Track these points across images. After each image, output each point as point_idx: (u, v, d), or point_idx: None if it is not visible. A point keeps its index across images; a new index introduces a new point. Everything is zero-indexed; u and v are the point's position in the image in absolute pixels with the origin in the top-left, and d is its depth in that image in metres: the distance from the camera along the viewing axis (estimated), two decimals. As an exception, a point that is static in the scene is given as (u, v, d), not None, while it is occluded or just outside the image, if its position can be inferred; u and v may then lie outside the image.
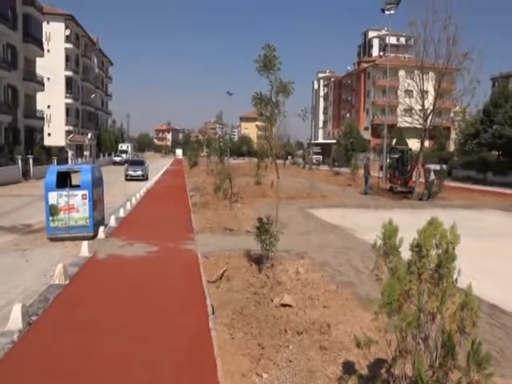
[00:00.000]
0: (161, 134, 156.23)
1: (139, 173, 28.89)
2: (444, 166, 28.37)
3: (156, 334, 4.81)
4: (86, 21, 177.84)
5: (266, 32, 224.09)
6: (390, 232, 3.39)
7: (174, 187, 23.28)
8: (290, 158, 62.87)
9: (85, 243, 8.59)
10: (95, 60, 66.49)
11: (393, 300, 3.13)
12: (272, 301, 5.82)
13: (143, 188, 20.80)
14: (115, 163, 51.00)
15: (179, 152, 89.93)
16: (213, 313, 5.43)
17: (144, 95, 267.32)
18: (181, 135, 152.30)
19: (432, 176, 20.54)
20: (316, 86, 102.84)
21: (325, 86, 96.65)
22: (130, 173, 28.79)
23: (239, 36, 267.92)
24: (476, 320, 2.90)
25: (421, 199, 19.97)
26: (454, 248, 3.10)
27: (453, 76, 23.13)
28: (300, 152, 68.22)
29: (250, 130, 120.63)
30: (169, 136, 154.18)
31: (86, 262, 7.87)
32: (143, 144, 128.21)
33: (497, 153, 37.07)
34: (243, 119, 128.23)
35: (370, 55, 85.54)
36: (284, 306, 5.66)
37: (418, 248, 3.18)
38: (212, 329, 4.88)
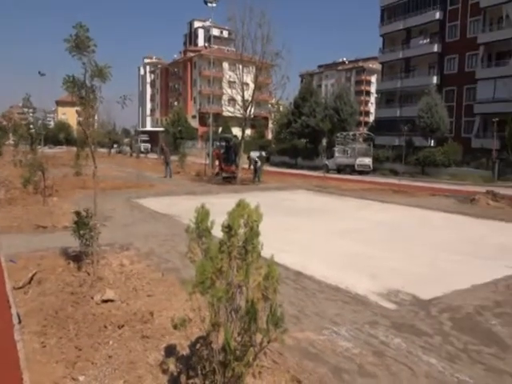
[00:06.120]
0: None
1: None
2: (263, 153, 31.35)
3: None
4: None
5: (85, 13, 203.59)
6: (201, 216, 3.55)
7: (-31, 182, 19.36)
8: (115, 146, 59.57)
9: None
10: None
11: (205, 279, 3.31)
12: (92, 298, 5.47)
13: None
14: None
15: None
16: (19, 322, 4.78)
17: None
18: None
19: (259, 163, 23.43)
20: (142, 72, 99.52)
21: (151, 72, 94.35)
22: None
23: (54, 13, 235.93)
24: (277, 287, 3.31)
25: (244, 183, 21.68)
26: (257, 225, 3.42)
27: (269, 71, 25.55)
28: (127, 140, 65.14)
29: (69, 116, 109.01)
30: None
31: None
32: None
33: (305, 140, 42.78)
34: (60, 103, 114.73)
35: (196, 45, 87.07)
36: (106, 301, 5.39)
37: (228, 228, 3.41)
38: (18, 340, 4.30)
